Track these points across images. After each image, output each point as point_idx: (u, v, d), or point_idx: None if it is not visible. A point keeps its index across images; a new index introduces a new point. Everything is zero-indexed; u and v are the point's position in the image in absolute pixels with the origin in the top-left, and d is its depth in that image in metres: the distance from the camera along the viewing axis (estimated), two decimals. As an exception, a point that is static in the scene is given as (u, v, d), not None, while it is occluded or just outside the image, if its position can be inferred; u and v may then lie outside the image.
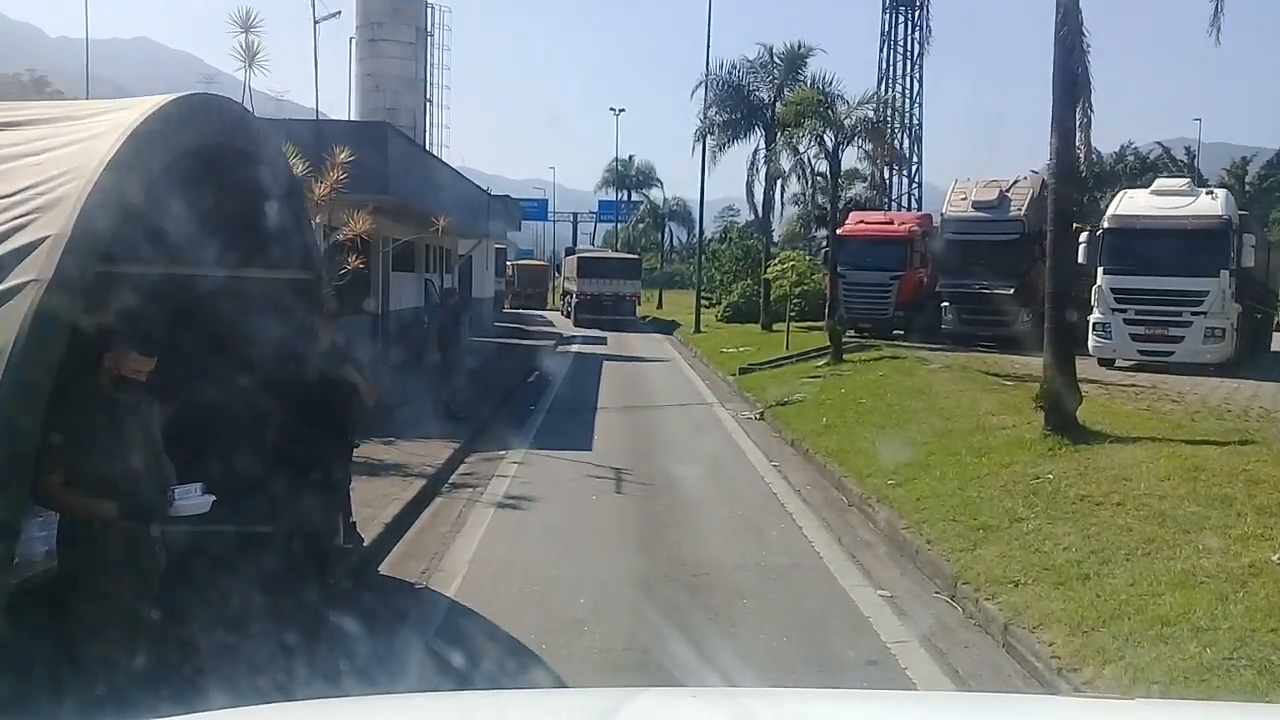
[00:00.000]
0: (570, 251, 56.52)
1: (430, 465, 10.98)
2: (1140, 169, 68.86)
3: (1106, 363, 20.66)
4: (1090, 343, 20.52)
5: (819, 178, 35.16)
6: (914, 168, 57.58)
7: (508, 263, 57.54)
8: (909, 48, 59.19)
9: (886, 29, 59.07)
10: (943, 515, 8.43)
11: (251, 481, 6.34)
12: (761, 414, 15.73)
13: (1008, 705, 2.74)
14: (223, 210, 5.43)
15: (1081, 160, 11.39)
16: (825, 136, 19.90)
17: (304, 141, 13.84)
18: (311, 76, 16.88)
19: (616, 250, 54.01)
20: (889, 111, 18.63)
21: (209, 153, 5.08)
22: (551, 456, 12.18)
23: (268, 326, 6.22)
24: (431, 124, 34.16)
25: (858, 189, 42.57)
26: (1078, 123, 9.98)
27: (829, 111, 19.57)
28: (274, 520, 6.44)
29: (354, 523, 7.72)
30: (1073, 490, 8.29)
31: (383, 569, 7.58)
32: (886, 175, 52.20)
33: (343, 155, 12.86)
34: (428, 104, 33.12)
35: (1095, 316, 20.33)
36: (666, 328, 37.21)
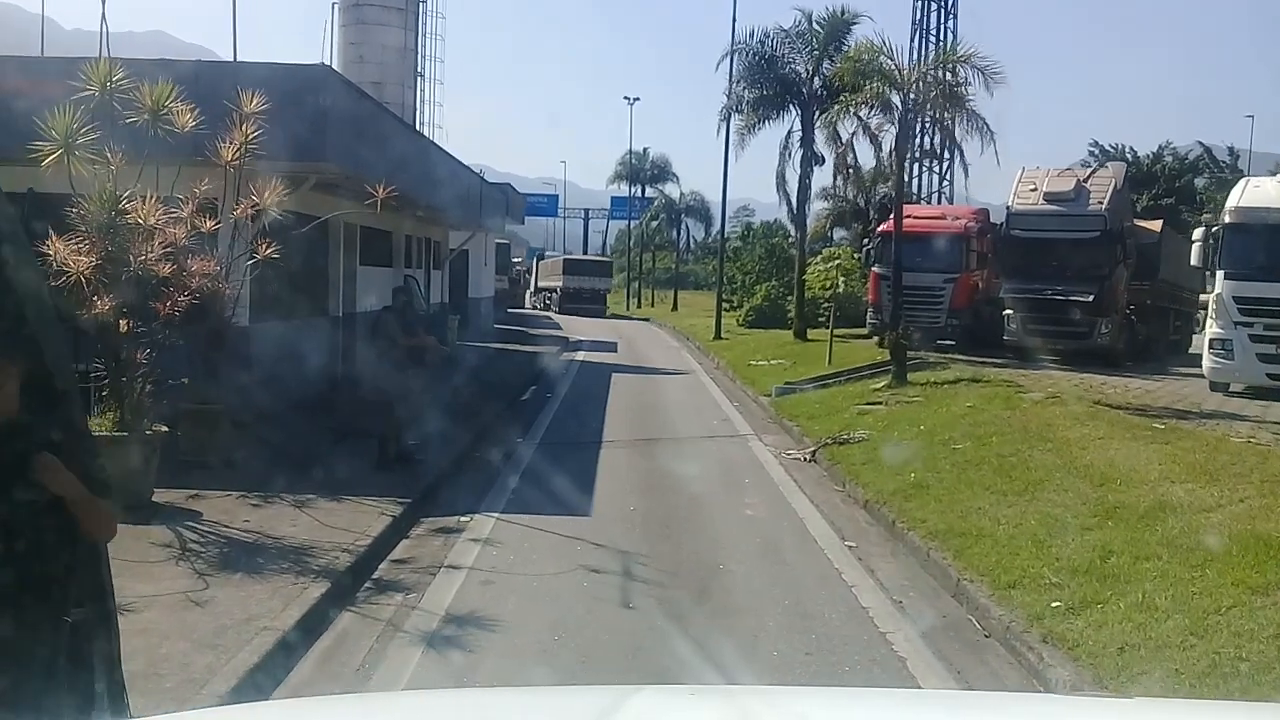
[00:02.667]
0: (541, 256, 64.80)
1: (349, 547, 7.42)
2: (1180, 170, 65.04)
3: (1220, 388, 17.02)
4: (1205, 363, 16.91)
5: (851, 170, 31.66)
6: (944, 164, 54.11)
7: (513, 261, 55.24)
8: (940, 36, 55.94)
9: (918, 17, 56.05)
10: (1185, 695, 4.84)
11: None
12: (813, 454, 12.14)
13: (1008, 705, 2.60)
14: None
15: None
16: (890, 102, 16.20)
17: (208, 90, 10.36)
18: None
19: (589, 255, 64.72)
20: (972, 72, 15.05)
21: None
22: (533, 527, 8.60)
23: None
24: (424, 102, 30.62)
25: (880, 191, 39.06)
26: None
27: (898, 72, 15.89)
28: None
29: (133, 722, 4.18)
30: None
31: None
32: (915, 171, 48.69)
33: (253, 103, 9.34)
34: (419, 78, 29.55)
35: (1213, 332, 16.65)
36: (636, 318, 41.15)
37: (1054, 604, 6.18)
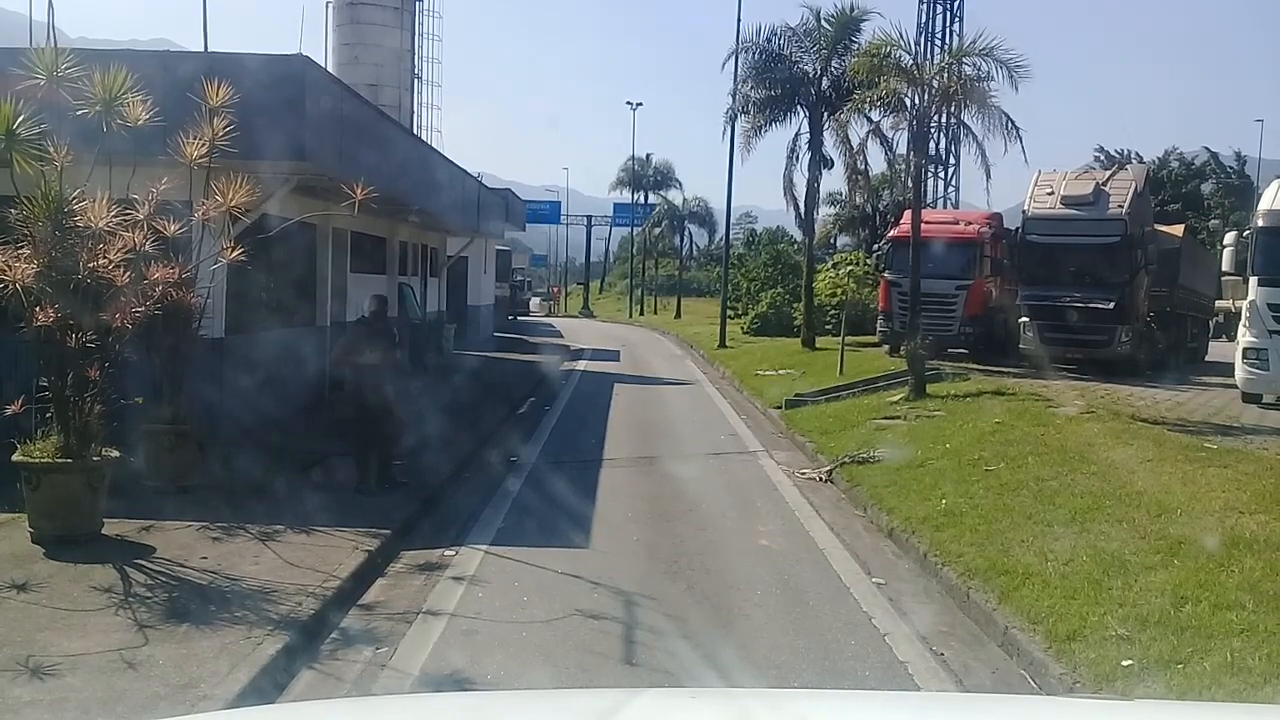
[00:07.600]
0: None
1: (315, 590, 6.58)
2: (1186, 176, 64.13)
3: (1253, 399, 16.14)
4: (1238, 373, 16.02)
5: (860, 175, 30.89)
6: (950, 170, 53.32)
7: (514, 268, 54.65)
8: (945, 40, 55.33)
9: (923, 20, 55.45)
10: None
11: None
12: (829, 474, 11.29)
13: (1007, 706, 2.59)
14: None
15: None
16: (905, 100, 15.32)
17: (176, 82, 9.55)
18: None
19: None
20: (997, 67, 14.12)
21: None
22: (525, 562, 7.76)
23: None
24: (421, 105, 29.82)
25: (887, 197, 38.26)
26: None
27: (916, 67, 15.03)
28: None
29: None
30: None
31: None
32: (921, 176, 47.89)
33: (220, 95, 8.54)
34: (416, 80, 28.75)
35: (1246, 340, 15.77)
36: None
37: (1125, 662, 5.33)
